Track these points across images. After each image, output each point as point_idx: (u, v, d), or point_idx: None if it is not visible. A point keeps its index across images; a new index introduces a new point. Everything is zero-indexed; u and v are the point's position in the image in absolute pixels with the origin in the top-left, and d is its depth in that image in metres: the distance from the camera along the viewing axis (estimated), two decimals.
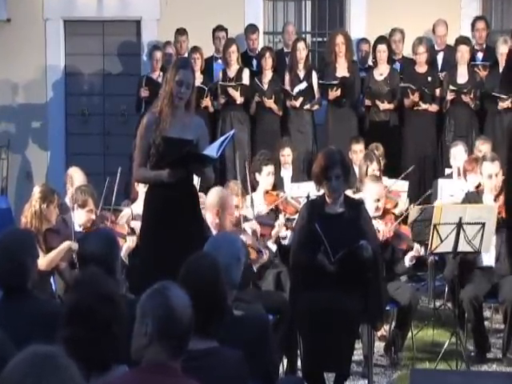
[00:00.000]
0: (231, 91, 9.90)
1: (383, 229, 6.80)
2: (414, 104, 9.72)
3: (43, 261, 6.20)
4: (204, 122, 6.16)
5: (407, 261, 6.81)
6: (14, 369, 2.19)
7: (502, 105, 9.34)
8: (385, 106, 9.83)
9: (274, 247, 7.30)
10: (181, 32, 10.49)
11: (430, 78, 9.80)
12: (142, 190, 7.72)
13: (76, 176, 7.84)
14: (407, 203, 7.95)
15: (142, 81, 10.26)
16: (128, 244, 6.88)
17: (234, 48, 10.01)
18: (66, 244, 6.42)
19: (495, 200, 7.01)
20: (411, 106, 9.75)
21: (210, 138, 9.77)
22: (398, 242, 6.90)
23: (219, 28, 10.43)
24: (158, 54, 10.25)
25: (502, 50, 9.43)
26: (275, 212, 7.71)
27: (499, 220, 6.60)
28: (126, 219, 7.25)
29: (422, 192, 9.36)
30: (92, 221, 6.93)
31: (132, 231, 6.96)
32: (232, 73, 10.04)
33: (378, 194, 7.01)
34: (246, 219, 7.12)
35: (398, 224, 6.99)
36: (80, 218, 6.89)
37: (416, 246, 6.80)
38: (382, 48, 9.95)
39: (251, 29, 10.54)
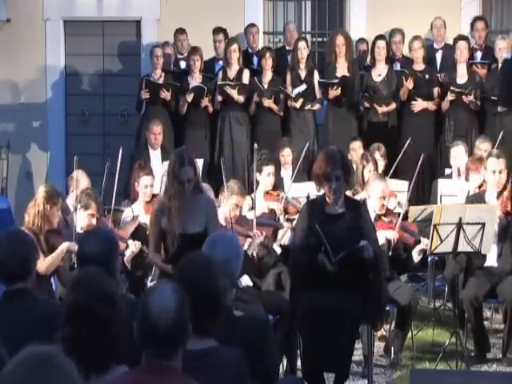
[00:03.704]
0: (229, 90, 9.88)
1: (393, 236, 6.78)
2: (409, 93, 9.67)
3: (43, 264, 6.20)
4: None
5: (415, 255, 6.78)
6: (13, 369, 2.19)
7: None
8: (383, 109, 9.76)
9: (278, 249, 7.26)
10: (180, 31, 10.50)
11: (427, 76, 9.79)
12: (141, 190, 7.73)
13: (81, 179, 7.81)
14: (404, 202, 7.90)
15: (142, 82, 10.20)
16: (131, 249, 6.90)
17: (235, 47, 9.99)
18: (64, 245, 6.42)
19: (498, 197, 7.00)
20: (406, 95, 9.69)
21: (209, 138, 9.93)
22: (406, 238, 6.90)
23: (217, 31, 10.38)
24: (159, 52, 10.21)
25: (500, 45, 9.46)
26: (275, 212, 7.69)
27: (501, 216, 6.65)
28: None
29: (421, 192, 9.39)
30: (92, 226, 6.93)
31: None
32: (232, 73, 10.02)
33: (384, 191, 6.99)
34: (245, 220, 7.11)
35: (402, 220, 6.99)
36: (82, 220, 6.90)
37: (423, 239, 6.78)
38: (381, 44, 9.85)
39: (250, 25, 10.58)
